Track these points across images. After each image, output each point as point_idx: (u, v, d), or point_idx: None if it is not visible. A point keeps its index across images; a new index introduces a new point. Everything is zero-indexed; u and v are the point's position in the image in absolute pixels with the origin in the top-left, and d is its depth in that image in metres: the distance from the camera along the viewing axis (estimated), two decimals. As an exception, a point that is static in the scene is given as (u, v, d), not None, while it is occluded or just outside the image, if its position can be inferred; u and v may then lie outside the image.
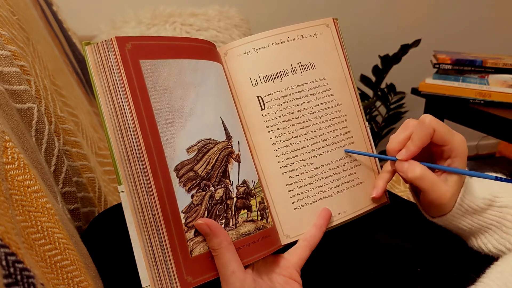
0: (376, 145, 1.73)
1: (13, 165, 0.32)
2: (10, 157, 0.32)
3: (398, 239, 0.50)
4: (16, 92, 0.43)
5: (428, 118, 0.41)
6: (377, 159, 0.48)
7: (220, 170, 0.40)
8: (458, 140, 0.41)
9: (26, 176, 0.33)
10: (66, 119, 0.56)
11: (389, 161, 0.44)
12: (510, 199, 0.43)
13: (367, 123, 0.49)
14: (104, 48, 0.37)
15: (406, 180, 0.43)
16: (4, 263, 0.23)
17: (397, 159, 0.42)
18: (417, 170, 0.40)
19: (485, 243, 0.44)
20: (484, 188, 0.43)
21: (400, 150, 0.42)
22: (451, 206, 0.42)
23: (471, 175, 0.41)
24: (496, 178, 0.39)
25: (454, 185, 0.41)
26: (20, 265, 0.25)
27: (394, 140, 0.43)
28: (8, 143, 0.33)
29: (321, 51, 0.47)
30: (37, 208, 0.33)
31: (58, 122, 0.52)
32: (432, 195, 0.41)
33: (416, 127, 0.41)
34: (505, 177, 0.40)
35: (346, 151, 0.46)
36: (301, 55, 0.46)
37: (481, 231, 0.44)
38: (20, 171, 0.33)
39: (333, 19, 0.49)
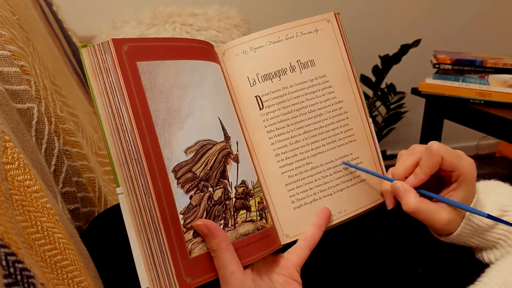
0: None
1: (13, 165, 0.32)
2: (10, 157, 0.32)
3: (398, 239, 0.51)
4: (16, 92, 0.44)
5: (436, 145, 0.41)
6: (380, 156, 0.48)
7: (219, 171, 0.40)
8: (466, 165, 0.41)
9: (26, 176, 0.33)
10: (66, 119, 0.56)
11: (392, 183, 0.44)
12: None
13: (370, 120, 0.48)
14: (101, 50, 0.37)
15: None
16: (4, 263, 0.24)
17: (399, 181, 0.43)
18: (411, 204, 0.41)
19: (488, 254, 0.45)
20: (493, 203, 0.44)
21: (406, 176, 0.43)
22: (455, 227, 0.42)
23: (465, 209, 0.41)
24: (488, 216, 0.40)
25: (453, 209, 0.41)
26: (20, 265, 0.25)
27: (400, 167, 0.43)
28: (8, 143, 0.33)
29: (322, 47, 0.47)
30: (37, 208, 0.33)
31: (58, 122, 0.52)
32: (427, 223, 0.42)
33: (424, 154, 0.41)
34: (498, 217, 0.41)
35: (344, 163, 0.45)
36: (301, 52, 0.46)
37: (488, 246, 0.45)
38: (20, 171, 0.33)
39: (334, 13, 0.48)
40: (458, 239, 0.43)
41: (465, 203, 0.41)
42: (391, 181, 0.44)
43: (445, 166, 0.41)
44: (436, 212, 0.41)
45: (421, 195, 0.42)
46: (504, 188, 0.47)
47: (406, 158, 0.44)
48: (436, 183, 0.44)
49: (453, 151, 0.41)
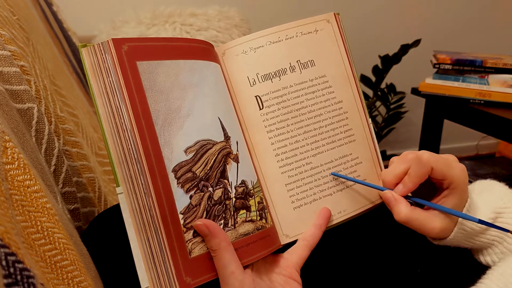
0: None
1: (13, 165, 0.32)
2: (10, 157, 0.32)
3: (398, 240, 0.51)
4: (16, 92, 0.44)
5: (426, 155, 0.41)
6: (379, 156, 0.48)
7: (219, 171, 0.40)
8: (457, 173, 0.41)
9: (26, 176, 0.33)
10: (66, 119, 0.56)
11: (382, 192, 0.44)
12: None
13: (370, 120, 0.49)
14: (101, 50, 0.37)
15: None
16: (4, 263, 0.24)
17: (390, 189, 0.42)
18: (402, 214, 0.41)
19: (484, 255, 0.45)
20: (488, 205, 0.44)
21: (396, 183, 0.43)
22: (448, 233, 0.42)
23: (457, 215, 0.41)
24: (480, 222, 0.40)
25: (446, 216, 0.41)
26: (20, 265, 0.25)
27: (391, 173, 0.43)
28: (8, 143, 0.33)
29: (322, 47, 0.47)
30: (37, 208, 0.33)
31: (58, 122, 0.52)
32: (420, 231, 0.42)
33: (414, 163, 0.41)
34: (488, 222, 0.41)
35: (332, 174, 0.45)
36: (300, 53, 0.46)
37: (483, 247, 0.45)
38: (20, 171, 0.33)
39: (334, 14, 0.48)
40: (452, 242, 0.43)
41: (457, 209, 0.41)
42: (382, 190, 0.43)
43: (435, 175, 0.41)
44: (428, 221, 0.41)
45: (413, 202, 0.42)
46: (499, 188, 0.47)
47: (397, 165, 0.43)
48: (429, 190, 0.44)
49: (443, 160, 0.41)
